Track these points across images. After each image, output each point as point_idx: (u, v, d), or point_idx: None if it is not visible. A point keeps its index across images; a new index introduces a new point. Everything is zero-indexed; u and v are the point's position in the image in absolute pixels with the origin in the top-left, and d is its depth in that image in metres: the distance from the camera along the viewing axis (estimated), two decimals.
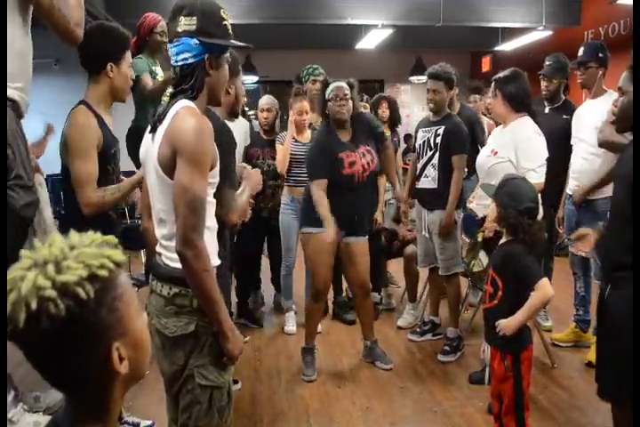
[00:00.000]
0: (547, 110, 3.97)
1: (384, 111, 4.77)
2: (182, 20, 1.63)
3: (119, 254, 0.86)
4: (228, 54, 1.76)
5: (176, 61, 1.67)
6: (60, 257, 0.82)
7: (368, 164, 3.39)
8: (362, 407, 3.10)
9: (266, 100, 4.31)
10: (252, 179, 2.24)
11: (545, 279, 2.26)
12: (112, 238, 0.88)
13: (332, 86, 3.38)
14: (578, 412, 3.01)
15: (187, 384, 1.69)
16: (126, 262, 3.35)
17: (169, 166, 1.58)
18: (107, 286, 0.84)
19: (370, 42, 7.54)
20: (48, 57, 7.22)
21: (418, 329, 4.11)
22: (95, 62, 2.34)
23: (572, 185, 3.64)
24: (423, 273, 4.24)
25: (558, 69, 3.85)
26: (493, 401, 2.43)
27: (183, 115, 1.59)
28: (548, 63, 3.89)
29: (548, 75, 3.85)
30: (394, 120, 4.86)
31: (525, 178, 2.50)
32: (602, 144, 3.23)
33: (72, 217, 2.41)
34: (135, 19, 6.19)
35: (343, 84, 3.39)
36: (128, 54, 2.44)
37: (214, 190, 1.73)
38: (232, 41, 1.72)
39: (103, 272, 0.83)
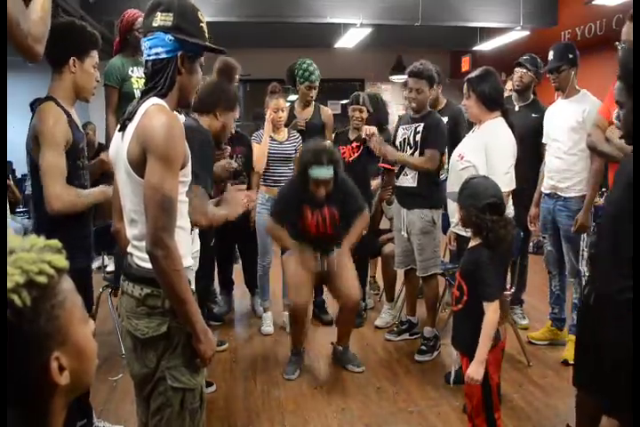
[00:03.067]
0: (517, 108, 4.01)
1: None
2: (159, 15, 1.62)
3: (61, 260, 0.83)
4: (202, 59, 1.76)
5: (148, 55, 1.65)
6: None
7: (324, 224, 3.48)
8: (337, 408, 3.08)
9: None
10: (231, 205, 2.19)
11: (495, 303, 2.22)
12: (56, 243, 0.85)
13: (313, 151, 3.36)
14: (552, 410, 3.03)
15: (158, 387, 1.67)
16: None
17: (139, 165, 1.56)
18: (46, 293, 0.80)
19: (349, 41, 7.53)
20: None
21: (395, 329, 4.11)
22: (58, 54, 2.28)
23: (548, 185, 3.66)
24: (401, 272, 4.24)
25: (534, 64, 3.97)
26: (467, 401, 2.43)
27: (153, 112, 1.57)
28: (525, 57, 4.02)
29: (526, 64, 3.96)
30: (379, 120, 4.44)
31: (487, 176, 2.47)
32: (590, 149, 3.24)
33: (45, 218, 2.34)
34: (111, 16, 6.10)
35: (324, 150, 3.39)
36: (95, 55, 2.37)
37: (187, 189, 1.70)
38: (207, 43, 1.70)
39: (41, 279, 0.79)
